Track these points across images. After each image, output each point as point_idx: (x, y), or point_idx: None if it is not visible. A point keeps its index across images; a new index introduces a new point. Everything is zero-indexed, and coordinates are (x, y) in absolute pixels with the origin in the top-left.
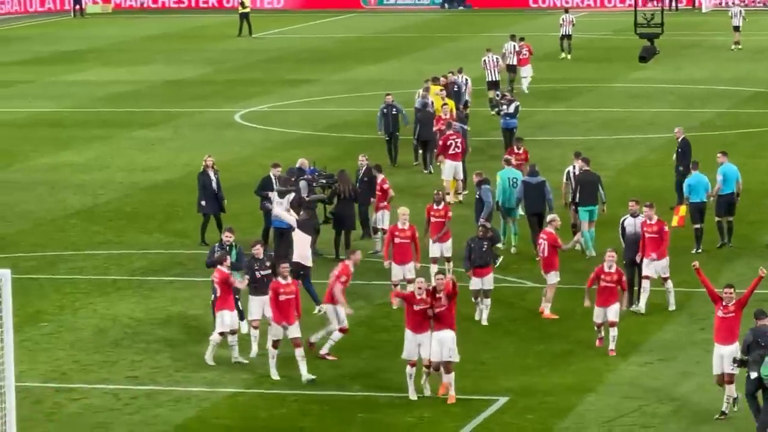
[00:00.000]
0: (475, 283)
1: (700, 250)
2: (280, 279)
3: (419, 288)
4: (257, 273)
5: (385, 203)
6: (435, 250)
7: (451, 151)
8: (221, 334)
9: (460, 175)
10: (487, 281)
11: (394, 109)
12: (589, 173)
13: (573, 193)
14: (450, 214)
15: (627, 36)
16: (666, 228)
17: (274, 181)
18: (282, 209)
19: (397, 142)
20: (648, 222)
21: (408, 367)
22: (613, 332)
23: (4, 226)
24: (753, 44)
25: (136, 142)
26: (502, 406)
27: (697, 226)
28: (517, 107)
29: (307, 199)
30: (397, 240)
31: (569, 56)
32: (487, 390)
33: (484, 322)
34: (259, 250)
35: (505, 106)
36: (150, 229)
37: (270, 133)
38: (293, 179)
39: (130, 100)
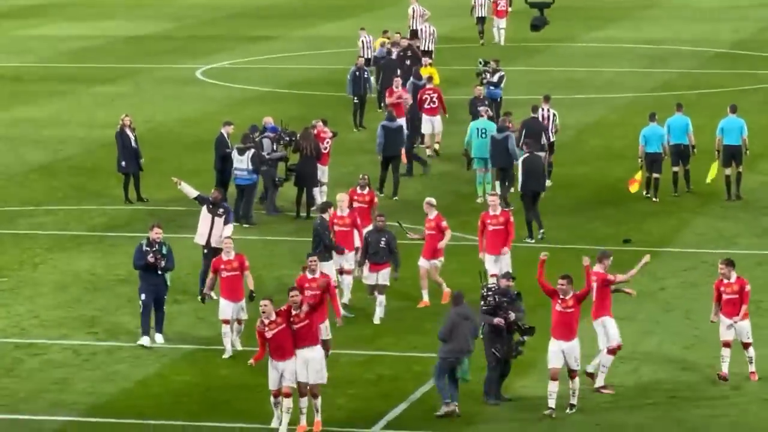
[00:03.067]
0: (370, 278)
1: (656, 199)
2: (306, 273)
3: (263, 311)
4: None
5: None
6: (357, 238)
7: (426, 106)
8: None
9: (438, 128)
10: (383, 276)
11: (366, 73)
12: (536, 121)
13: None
14: (376, 200)
15: None
16: (747, 287)
17: (226, 138)
18: (187, 187)
19: (365, 106)
20: (725, 281)
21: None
22: (749, 353)
23: None
24: (715, 4)
25: (96, 98)
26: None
27: (655, 175)
28: (501, 77)
29: (267, 156)
30: (336, 228)
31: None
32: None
33: (377, 321)
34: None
35: (489, 75)
36: (110, 185)
37: (231, 90)
38: (254, 136)
39: (91, 55)
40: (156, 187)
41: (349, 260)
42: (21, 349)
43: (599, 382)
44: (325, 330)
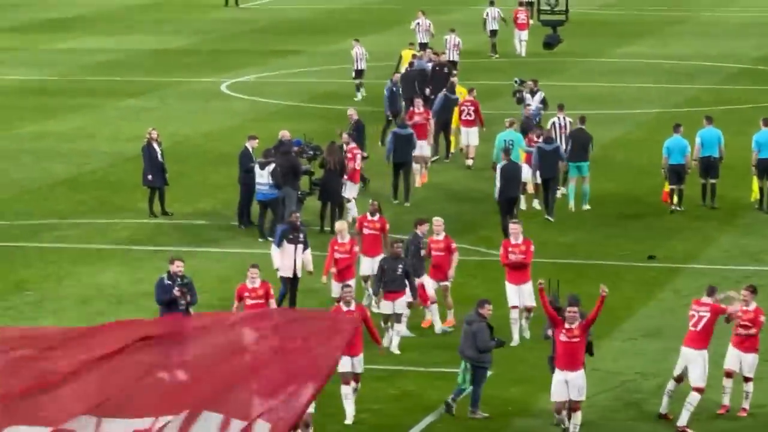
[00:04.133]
0: (385, 307)
1: (680, 208)
2: (342, 305)
3: None
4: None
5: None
6: (366, 267)
7: (463, 117)
8: None
9: (474, 141)
10: (399, 305)
11: (399, 89)
12: (583, 131)
13: (565, 147)
14: (387, 226)
15: (614, 11)
16: (762, 317)
17: (251, 152)
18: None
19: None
20: (744, 308)
21: None
22: (747, 388)
23: None
24: (739, 20)
25: (122, 112)
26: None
27: (673, 186)
28: (543, 98)
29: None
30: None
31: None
32: None
33: (394, 350)
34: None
35: (528, 96)
36: (135, 199)
37: (256, 104)
38: (274, 150)
39: (116, 69)
40: (181, 201)
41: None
42: None
43: (682, 420)
44: (359, 363)
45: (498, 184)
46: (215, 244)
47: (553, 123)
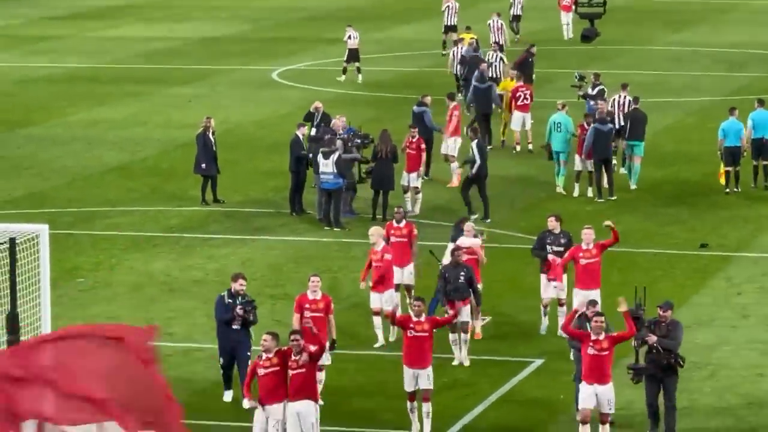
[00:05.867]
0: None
1: (736, 189)
2: (411, 314)
3: (263, 345)
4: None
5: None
6: (395, 276)
7: (519, 102)
8: None
9: (528, 126)
10: (465, 314)
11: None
12: (638, 111)
13: (622, 126)
14: (415, 232)
15: None
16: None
17: (301, 140)
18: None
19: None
20: None
21: None
22: None
23: (42, 181)
24: None
25: (172, 99)
26: (538, 367)
27: (728, 168)
28: (601, 90)
29: (342, 157)
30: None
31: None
32: (523, 352)
33: (463, 360)
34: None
35: (589, 89)
36: (186, 187)
37: (307, 91)
38: (332, 138)
39: (167, 56)
40: (232, 189)
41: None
42: None
43: None
44: (427, 378)
45: (478, 161)
46: (266, 231)
47: (614, 100)
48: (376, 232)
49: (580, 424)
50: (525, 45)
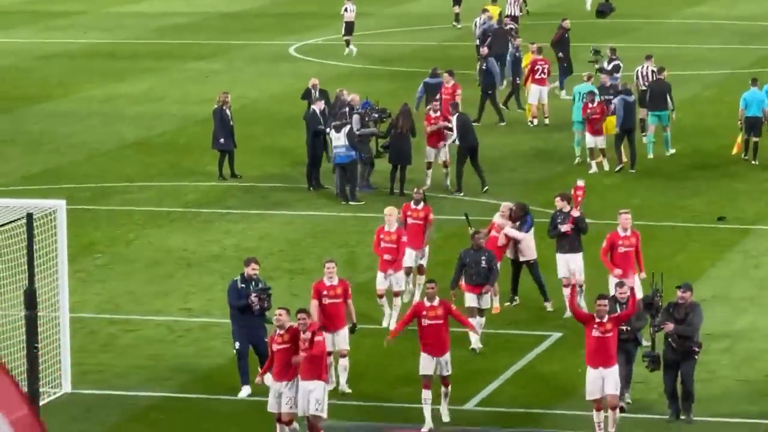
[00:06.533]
0: (469, 300)
1: (755, 161)
2: (425, 300)
3: (276, 320)
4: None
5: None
6: (408, 258)
7: (537, 76)
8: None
9: (545, 100)
10: (485, 299)
11: (486, 63)
12: (661, 81)
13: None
14: (431, 216)
15: None
16: None
17: (318, 114)
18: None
19: (485, 101)
20: None
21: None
22: None
23: (59, 157)
24: None
25: (190, 74)
26: (556, 341)
27: (754, 139)
28: (616, 66)
29: (358, 132)
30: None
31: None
32: (542, 326)
33: (475, 345)
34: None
35: (605, 63)
36: (204, 162)
37: (324, 66)
38: (344, 111)
39: (184, 31)
40: (249, 164)
41: (399, 281)
42: (116, 325)
43: None
44: (445, 365)
45: (456, 133)
46: (284, 206)
47: (638, 71)
48: (392, 213)
49: (595, 412)
50: (534, 18)
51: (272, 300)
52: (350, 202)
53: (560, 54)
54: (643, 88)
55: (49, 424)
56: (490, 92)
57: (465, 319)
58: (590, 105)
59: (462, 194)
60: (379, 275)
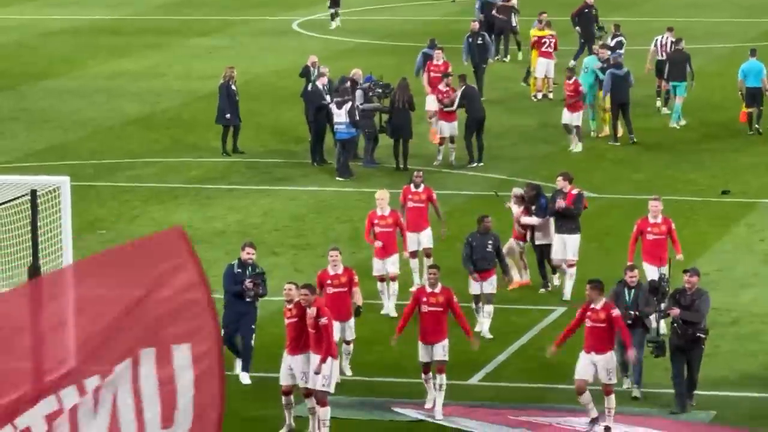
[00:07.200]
0: (474, 287)
1: (759, 130)
2: (426, 286)
3: (285, 294)
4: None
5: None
6: (412, 242)
7: (543, 49)
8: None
9: (552, 74)
10: (488, 284)
11: (480, 38)
12: (680, 52)
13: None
14: (434, 196)
15: None
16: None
17: (321, 89)
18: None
19: (482, 75)
20: None
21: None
22: None
23: (63, 133)
24: None
25: (193, 50)
26: (561, 315)
27: (749, 110)
28: (619, 42)
29: (361, 107)
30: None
31: None
32: (547, 301)
33: (486, 335)
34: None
35: (609, 39)
36: (207, 138)
37: (328, 41)
38: (344, 87)
39: (187, 7)
40: (253, 140)
41: (395, 264)
42: None
43: None
44: (442, 352)
45: (459, 103)
46: (288, 182)
47: (657, 40)
48: (384, 197)
49: (577, 394)
50: None
51: (271, 281)
52: (337, 178)
53: (578, 28)
54: (660, 57)
55: None
56: (484, 66)
57: (465, 322)
58: (567, 81)
59: (481, 163)
60: (376, 260)
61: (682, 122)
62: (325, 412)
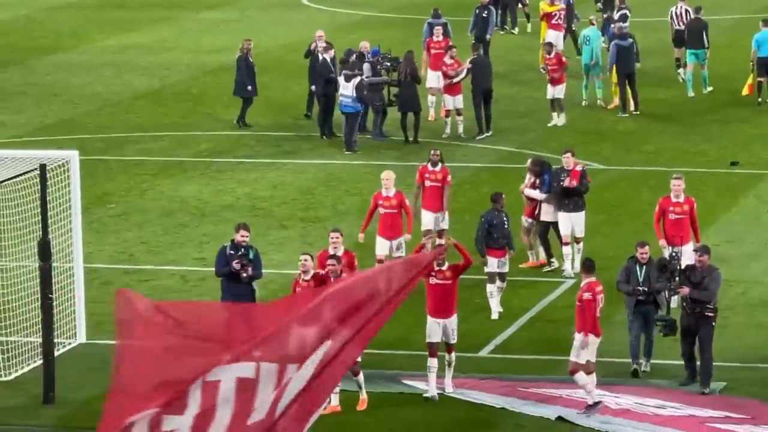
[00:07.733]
0: (492, 264)
1: (759, 101)
2: (435, 264)
3: (302, 265)
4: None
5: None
6: (427, 221)
7: (554, 21)
8: None
9: (561, 46)
10: (503, 262)
11: (486, 12)
12: (698, 20)
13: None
14: (449, 178)
15: None
16: None
17: (329, 62)
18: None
19: (487, 47)
20: None
21: None
22: None
23: (72, 107)
24: None
25: (201, 24)
26: (569, 287)
27: (761, 79)
28: (624, 15)
29: (368, 81)
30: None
31: None
32: (556, 273)
33: (495, 311)
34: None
35: (614, 12)
36: (216, 111)
37: (336, 14)
38: (354, 60)
39: None
40: (262, 113)
41: (400, 248)
42: (130, 275)
43: None
44: (452, 331)
45: (471, 75)
46: (297, 155)
47: (672, 12)
48: (389, 178)
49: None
50: None
51: (280, 254)
52: (345, 152)
53: (599, 3)
54: (678, 27)
55: (65, 375)
56: (488, 37)
57: (465, 261)
58: (547, 56)
59: (490, 132)
60: (379, 240)
61: (710, 88)
62: (360, 378)
